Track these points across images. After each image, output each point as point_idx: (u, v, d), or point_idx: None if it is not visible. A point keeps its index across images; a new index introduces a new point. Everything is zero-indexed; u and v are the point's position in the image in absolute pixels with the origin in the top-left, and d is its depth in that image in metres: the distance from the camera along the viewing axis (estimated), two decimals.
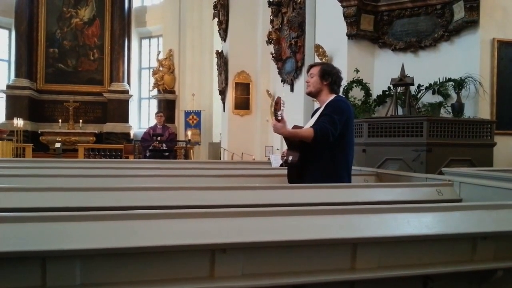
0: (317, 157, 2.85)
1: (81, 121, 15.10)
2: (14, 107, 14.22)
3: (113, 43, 15.58)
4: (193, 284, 1.37)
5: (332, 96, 2.95)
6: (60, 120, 14.90)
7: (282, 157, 3.01)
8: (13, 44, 14.84)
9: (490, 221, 1.76)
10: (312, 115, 3.18)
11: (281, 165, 3.74)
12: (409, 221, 1.71)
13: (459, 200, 2.56)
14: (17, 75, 14.63)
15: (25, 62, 14.68)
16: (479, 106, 4.97)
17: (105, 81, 15.64)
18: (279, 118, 2.75)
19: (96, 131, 15.10)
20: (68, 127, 14.95)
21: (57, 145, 12.40)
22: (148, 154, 7.88)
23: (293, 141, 2.88)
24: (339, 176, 2.86)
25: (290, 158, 2.83)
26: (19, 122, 11.93)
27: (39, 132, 14.58)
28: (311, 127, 2.80)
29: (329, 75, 2.95)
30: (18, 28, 14.59)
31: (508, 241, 1.75)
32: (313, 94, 3.03)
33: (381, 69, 5.77)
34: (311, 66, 3.08)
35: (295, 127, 3.00)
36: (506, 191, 2.28)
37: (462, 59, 5.15)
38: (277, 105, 2.73)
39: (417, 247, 1.64)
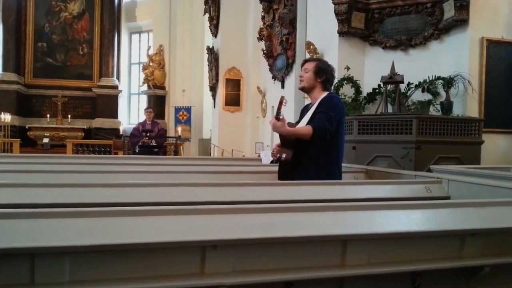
0: (310, 154, 2.86)
1: (69, 116, 14.94)
2: (1, 101, 13.99)
3: (102, 38, 15.42)
4: (184, 281, 1.37)
5: (325, 93, 2.95)
6: (48, 115, 14.73)
7: (273, 153, 3.01)
8: (0, 37, 14.61)
9: (478, 218, 1.78)
10: (302, 111, 3.18)
11: (272, 162, 3.75)
12: (399, 218, 1.73)
13: (448, 197, 2.58)
14: (5, 69, 14.43)
15: (12, 56, 14.47)
16: (468, 104, 5.03)
17: (94, 76, 15.49)
18: (281, 117, 2.76)
19: (85, 127, 14.95)
20: (57, 122, 14.79)
21: (45, 140, 12.26)
22: (137, 150, 7.83)
23: (288, 139, 2.89)
24: (331, 173, 2.87)
25: (284, 155, 2.83)
26: (6, 117, 11.76)
27: (26, 127, 14.40)
28: (309, 124, 2.81)
29: (323, 72, 2.94)
30: (5, 21, 14.37)
31: (496, 238, 1.77)
32: (306, 90, 3.03)
33: (371, 66, 5.80)
34: (306, 61, 3.07)
35: (288, 124, 3.01)
36: (494, 188, 2.30)
37: (452, 58, 5.20)
38: (280, 104, 2.75)
39: (406, 244, 1.65)
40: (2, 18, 14.46)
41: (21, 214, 1.35)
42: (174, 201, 1.98)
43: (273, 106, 8.71)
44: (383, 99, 5.05)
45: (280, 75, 8.39)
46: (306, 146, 2.84)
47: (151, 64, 15.23)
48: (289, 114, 7.10)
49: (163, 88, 15.42)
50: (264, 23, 9.14)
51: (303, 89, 3.05)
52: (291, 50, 7.72)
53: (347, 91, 5.59)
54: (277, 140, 3.05)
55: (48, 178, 2.63)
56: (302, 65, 3.07)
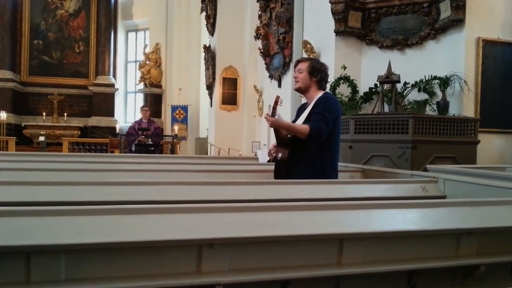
0: (305, 153, 2.86)
1: (65, 114, 14.86)
2: None
3: (98, 36, 15.35)
4: (180, 279, 1.36)
5: (321, 93, 2.96)
6: (44, 113, 14.63)
7: (269, 152, 3.01)
8: None
9: (474, 218, 1.79)
10: (298, 111, 3.18)
11: (268, 161, 3.74)
12: (395, 217, 1.73)
13: (444, 197, 2.59)
14: (0, 66, 14.33)
15: (8, 54, 14.37)
16: (464, 104, 5.04)
17: (90, 74, 15.41)
18: (276, 116, 2.78)
19: (81, 125, 14.88)
20: (53, 120, 14.71)
21: (41, 138, 12.20)
22: (133, 148, 7.81)
23: (284, 138, 2.90)
24: (326, 172, 2.87)
25: (280, 155, 2.84)
26: (2, 115, 11.73)
27: (22, 125, 14.31)
28: (306, 123, 2.81)
29: (318, 71, 2.95)
30: (0, 18, 14.26)
31: (491, 237, 1.78)
32: (302, 90, 3.03)
33: (368, 66, 5.81)
34: (298, 61, 3.07)
35: None
36: (489, 188, 2.31)
37: (448, 57, 5.21)
38: (276, 103, 2.77)
39: (402, 243, 1.66)
40: None
41: (17, 212, 1.34)
42: (171, 200, 1.97)
43: (269, 105, 8.70)
44: (379, 99, 5.06)
45: (277, 74, 8.39)
46: (302, 146, 2.85)
47: (147, 62, 15.18)
48: (286, 113, 7.09)
49: (159, 86, 15.38)
50: (261, 22, 9.12)
51: (298, 89, 3.04)
52: (288, 49, 7.71)
53: (343, 90, 5.60)
54: (273, 139, 3.06)
55: (44, 176, 2.62)
56: (295, 65, 3.06)
